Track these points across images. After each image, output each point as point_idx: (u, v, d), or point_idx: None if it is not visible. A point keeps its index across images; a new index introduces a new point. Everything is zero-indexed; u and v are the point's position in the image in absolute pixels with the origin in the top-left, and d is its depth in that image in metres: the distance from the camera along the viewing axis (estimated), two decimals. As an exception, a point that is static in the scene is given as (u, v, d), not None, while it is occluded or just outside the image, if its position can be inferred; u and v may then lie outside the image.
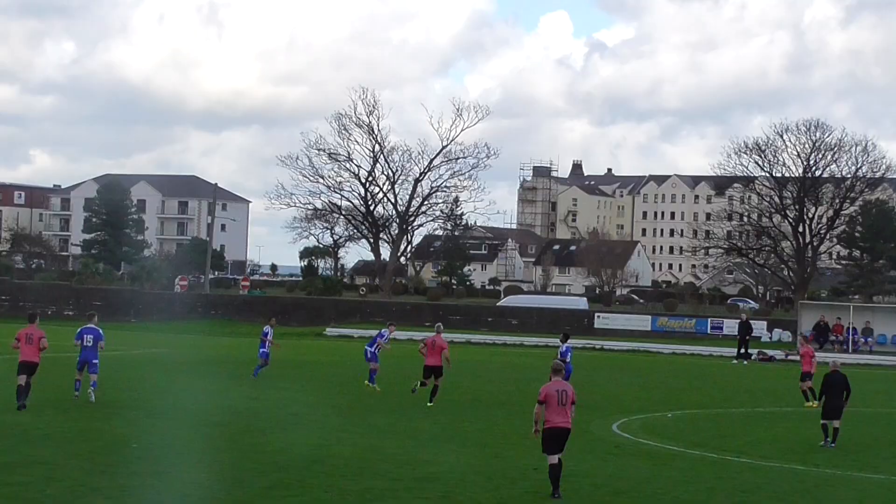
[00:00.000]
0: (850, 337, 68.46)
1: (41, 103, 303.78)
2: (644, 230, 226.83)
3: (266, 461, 22.20)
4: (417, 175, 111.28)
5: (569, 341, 39.00)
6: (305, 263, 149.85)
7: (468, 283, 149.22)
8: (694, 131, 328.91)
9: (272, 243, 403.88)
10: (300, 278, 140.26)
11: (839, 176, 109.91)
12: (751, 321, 66.02)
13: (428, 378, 32.90)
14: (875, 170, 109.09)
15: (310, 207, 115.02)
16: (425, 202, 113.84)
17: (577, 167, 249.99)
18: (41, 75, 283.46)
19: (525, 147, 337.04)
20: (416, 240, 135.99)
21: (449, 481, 20.71)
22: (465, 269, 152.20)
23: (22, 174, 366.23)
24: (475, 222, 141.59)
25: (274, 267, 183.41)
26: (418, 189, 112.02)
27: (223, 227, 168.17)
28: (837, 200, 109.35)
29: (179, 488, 19.24)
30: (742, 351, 60.98)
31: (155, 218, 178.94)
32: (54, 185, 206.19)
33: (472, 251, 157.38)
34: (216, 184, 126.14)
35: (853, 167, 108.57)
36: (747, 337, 62.37)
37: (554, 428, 19.41)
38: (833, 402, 27.22)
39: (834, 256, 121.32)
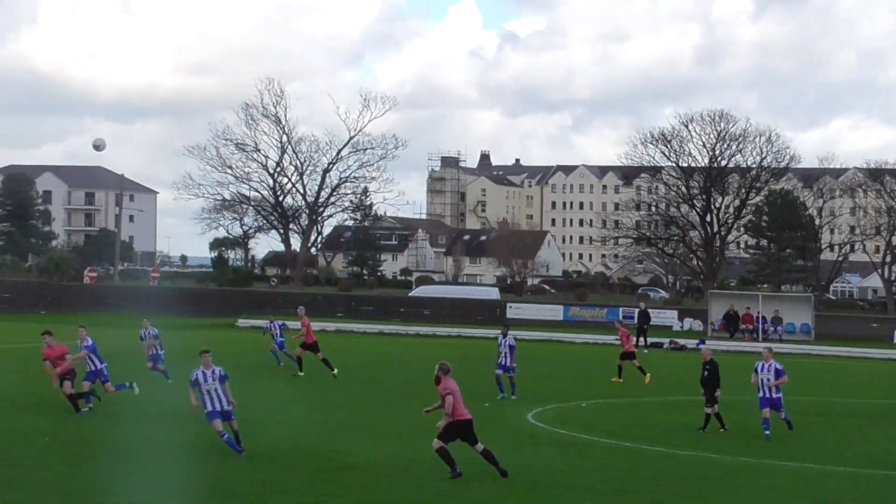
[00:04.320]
0: (760, 326, 69.46)
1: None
2: (553, 220, 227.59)
3: (179, 453, 22.10)
4: (326, 166, 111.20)
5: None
6: (216, 254, 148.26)
7: (379, 273, 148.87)
8: (605, 122, 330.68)
9: (182, 234, 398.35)
10: (210, 269, 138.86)
11: (745, 166, 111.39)
12: (649, 310, 66.73)
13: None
14: (779, 160, 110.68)
15: (218, 198, 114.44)
16: (334, 193, 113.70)
17: (485, 157, 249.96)
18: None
19: (436, 138, 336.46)
20: (327, 230, 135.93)
21: (366, 472, 20.76)
22: (377, 258, 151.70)
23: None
24: (385, 212, 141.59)
25: (184, 258, 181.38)
26: (327, 180, 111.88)
27: (131, 217, 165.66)
28: (743, 190, 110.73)
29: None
30: (642, 340, 61.37)
31: (61, 209, 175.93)
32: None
33: (382, 241, 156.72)
34: (122, 174, 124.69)
35: (758, 157, 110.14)
36: (645, 326, 63.00)
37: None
38: (706, 390, 28.32)
39: (742, 246, 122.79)
